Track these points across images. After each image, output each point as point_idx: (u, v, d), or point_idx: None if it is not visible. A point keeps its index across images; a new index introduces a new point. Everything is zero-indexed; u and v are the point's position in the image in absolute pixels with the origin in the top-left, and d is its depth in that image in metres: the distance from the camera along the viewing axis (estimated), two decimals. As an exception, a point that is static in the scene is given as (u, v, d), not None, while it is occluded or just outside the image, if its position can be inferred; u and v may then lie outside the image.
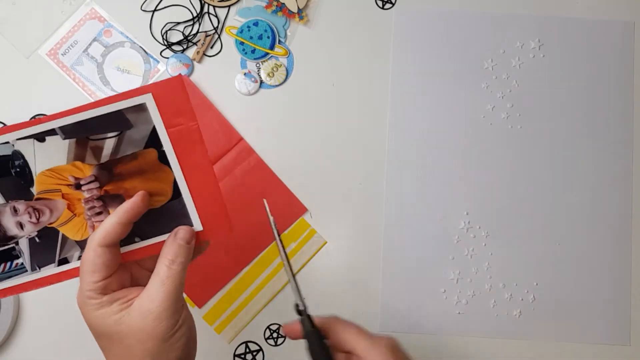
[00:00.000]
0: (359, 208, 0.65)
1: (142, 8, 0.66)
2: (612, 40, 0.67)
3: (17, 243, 0.45)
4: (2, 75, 0.65)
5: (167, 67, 0.65)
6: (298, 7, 0.65)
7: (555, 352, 0.64)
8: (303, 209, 0.64)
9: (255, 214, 0.64)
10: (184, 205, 0.45)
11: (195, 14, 0.66)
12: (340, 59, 0.66)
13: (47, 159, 0.44)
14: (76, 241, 0.46)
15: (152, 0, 0.66)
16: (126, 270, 0.44)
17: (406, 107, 0.66)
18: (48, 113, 0.64)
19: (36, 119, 0.44)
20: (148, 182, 0.45)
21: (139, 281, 0.45)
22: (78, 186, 0.45)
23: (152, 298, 0.41)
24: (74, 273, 0.45)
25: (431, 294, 0.64)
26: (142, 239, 0.45)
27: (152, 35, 0.66)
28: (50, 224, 0.45)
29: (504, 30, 0.67)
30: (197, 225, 0.45)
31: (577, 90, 0.66)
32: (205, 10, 0.66)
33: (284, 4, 0.65)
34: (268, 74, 0.65)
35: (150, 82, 0.65)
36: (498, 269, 0.64)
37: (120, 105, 0.43)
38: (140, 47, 0.65)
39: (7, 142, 0.43)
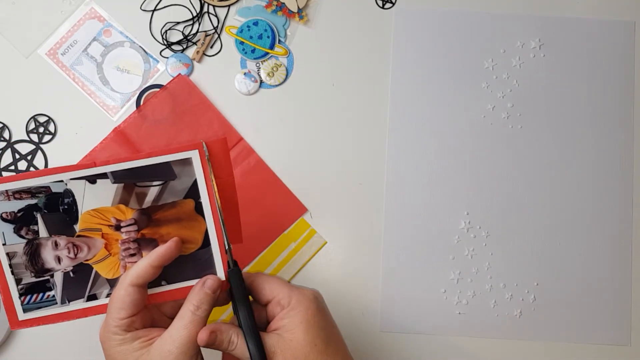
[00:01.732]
0: (359, 208, 0.65)
1: (142, 8, 0.66)
2: (612, 40, 0.67)
3: (52, 276, 0.47)
4: (1, 75, 0.65)
5: (166, 67, 0.65)
6: (298, 7, 0.65)
7: (555, 352, 0.64)
8: (303, 209, 0.64)
9: (255, 214, 0.64)
10: (211, 255, 0.48)
11: (195, 14, 0.66)
12: (340, 59, 0.66)
13: (94, 199, 0.47)
14: (107, 279, 0.48)
15: (152, 0, 0.66)
16: (149, 312, 0.47)
17: (406, 107, 0.66)
18: (48, 113, 0.64)
19: (91, 163, 0.47)
20: (182, 229, 0.48)
21: (158, 324, 0.47)
22: (118, 228, 0.48)
23: (173, 339, 0.43)
24: (100, 309, 0.48)
25: (431, 294, 0.64)
26: (169, 283, 0.48)
27: (152, 35, 0.65)
28: (86, 260, 0.48)
29: (504, 30, 0.67)
30: (221, 275, 0.48)
31: (577, 90, 0.66)
32: (205, 9, 0.66)
33: (284, 3, 0.65)
34: (268, 74, 0.65)
35: (150, 82, 0.65)
36: (498, 269, 0.64)
37: (170, 157, 0.47)
38: (140, 46, 0.65)
39: (62, 181, 0.46)
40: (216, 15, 0.66)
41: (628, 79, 0.66)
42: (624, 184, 0.65)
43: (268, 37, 0.65)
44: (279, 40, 0.66)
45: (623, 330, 0.64)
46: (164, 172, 0.48)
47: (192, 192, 0.48)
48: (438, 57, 0.66)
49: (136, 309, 0.44)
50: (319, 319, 0.45)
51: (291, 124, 0.65)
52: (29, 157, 0.64)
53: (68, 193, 0.47)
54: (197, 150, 0.47)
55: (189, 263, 0.48)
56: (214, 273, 0.48)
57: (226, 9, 0.66)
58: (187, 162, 0.47)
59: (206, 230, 0.48)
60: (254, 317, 0.45)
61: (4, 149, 0.64)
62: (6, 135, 0.64)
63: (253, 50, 0.65)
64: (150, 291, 0.47)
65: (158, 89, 0.65)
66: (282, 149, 0.65)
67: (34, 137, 0.64)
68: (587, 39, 0.67)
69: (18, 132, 0.64)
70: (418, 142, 0.65)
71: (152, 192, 0.48)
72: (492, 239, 0.65)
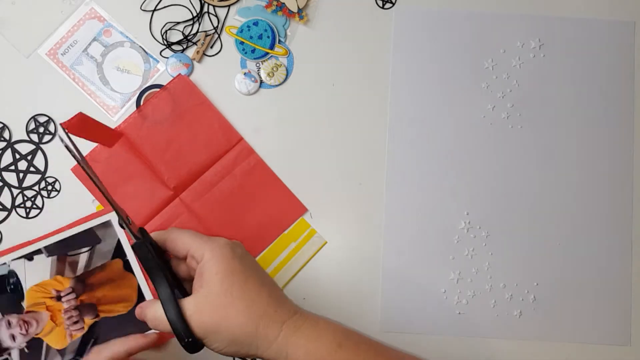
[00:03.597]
0: (359, 208, 0.65)
1: (142, 8, 0.66)
2: (612, 40, 0.67)
3: (9, 354, 0.51)
4: (2, 75, 0.65)
5: (166, 67, 0.65)
6: (298, 7, 0.65)
7: (555, 352, 0.64)
8: (303, 209, 0.64)
9: (255, 214, 0.64)
10: None
11: (195, 14, 0.66)
12: (340, 59, 0.66)
13: (35, 274, 0.52)
14: (57, 350, 0.52)
15: (152, 0, 0.66)
16: None
17: (406, 107, 0.66)
18: (48, 113, 0.64)
19: (25, 242, 0.53)
20: (116, 289, 0.53)
21: None
22: (59, 298, 0.52)
23: None
24: None
25: (431, 294, 0.64)
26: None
27: (152, 35, 0.65)
28: (37, 334, 0.51)
29: (504, 30, 0.67)
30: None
31: (577, 90, 0.66)
32: (205, 9, 0.66)
33: (284, 3, 0.65)
34: (268, 74, 0.65)
35: (150, 82, 0.65)
36: (498, 269, 0.64)
37: (91, 224, 0.53)
38: (140, 46, 0.65)
39: (5, 263, 0.51)
40: (216, 15, 0.66)
41: (628, 79, 0.66)
42: (624, 184, 0.65)
43: (268, 37, 0.65)
44: (279, 40, 0.66)
45: (623, 330, 0.64)
46: (89, 238, 0.53)
47: (118, 251, 0.53)
48: (438, 57, 0.66)
49: None
50: (233, 266, 0.44)
51: (291, 124, 0.65)
52: (29, 157, 0.64)
53: (12, 273, 0.51)
54: (113, 212, 0.51)
55: (128, 321, 0.51)
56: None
57: (226, 9, 0.66)
58: (107, 224, 0.52)
59: (139, 286, 0.52)
60: (169, 286, 0.43)
61: (4, 149, 0.64)
62: (6, 135, 0.64)
63: (253, 50, 0.65)
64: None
65: (158, 89, 0.65)
66: (282, 149, 0.65)
67: (34, 137, 0.64)
68: (587, 39, 0.67)
69: (18, 132, 0.64)
70: (418, 142, 0.65)
71: (82, 258, 0.52)
72: (492, 239, 0.65)
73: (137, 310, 0.45)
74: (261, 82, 0.65)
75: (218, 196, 0.64)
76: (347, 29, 0.66)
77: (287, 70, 0.66)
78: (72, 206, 0.63)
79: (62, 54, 0.65)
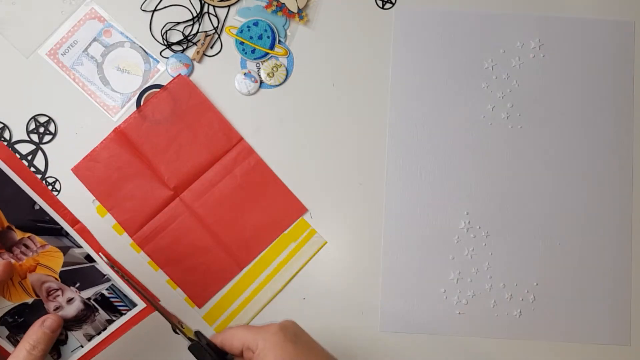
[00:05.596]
0: (359, 208, 0.65)
1: (142, 8, 0.66)
2: (612, 40, 0.67)
3: None
4: (2, 75, 0.65)
5: (167, 67, 0.65)
6: (298, 7, 0.65)
7: (555, 352, 0.64)
8: (303, 209, 0.64)
9: (255, 214, 0.64)
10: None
11: (195, 14, 0.66)
12: (340, 59, 0.66)
13: None
14: None
15: (152, 0, 0.66)
16: None
17: (406, 107, 0.66)
18: (48, 113, 0.65)
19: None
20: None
21: None
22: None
23: None
24: None
25: (431, 294, 0.64)
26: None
27: (152, 35, 0.66)
28: None
29: (504, 30, 0.67)
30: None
31: (577, 90, 0.66)
32: (205, 10, 0.66)
33: (284, 3, 0.65)
34: (268, 74, 0.65)
35: (150, 82, 0.65)
36: (498, 269, 0.64)
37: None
38: (140, 47, 0.65)
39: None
40: (216, 16, 0.66)
41: (628, 79, 0.66)
42: (624, 184, 0.65)
43: (268, 37, 0.65)
44: (279, 40, 0.66)
45: (623, 330, 0.64)
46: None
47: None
48: (438, 57, 0.66)
49: None
50: (287, 351, 0.46)
51: (291, 124, 0.65)
52: (29, 158, 0.64)
53: None
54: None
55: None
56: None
57: (226, 9, 0.66)
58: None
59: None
60: None
61: (4, 149, 0.64)
62: (6, 135, 0.64)
63: (253, 51, 0.65)
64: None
65: (158, 89, 0.65)
66: (282, 149, 0.65)
67: (35, 137, 0.64)
68: (587, 39, 0.67)
69: (18, 132, 0.64)
70: (418, 142, 0.65)
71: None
72: (492, 239, 0.65)
73: None
74: (261, 82, 0.65)
75: (218, 196, 0.64)
76: (347, 29, 0.66)
77: (287, 70, 0.66)
78: (72, 206, 0.63)
79: (62, 54, 0.65)
